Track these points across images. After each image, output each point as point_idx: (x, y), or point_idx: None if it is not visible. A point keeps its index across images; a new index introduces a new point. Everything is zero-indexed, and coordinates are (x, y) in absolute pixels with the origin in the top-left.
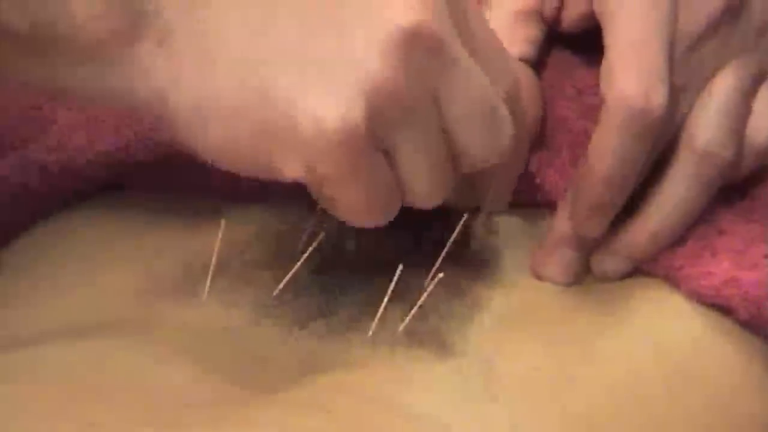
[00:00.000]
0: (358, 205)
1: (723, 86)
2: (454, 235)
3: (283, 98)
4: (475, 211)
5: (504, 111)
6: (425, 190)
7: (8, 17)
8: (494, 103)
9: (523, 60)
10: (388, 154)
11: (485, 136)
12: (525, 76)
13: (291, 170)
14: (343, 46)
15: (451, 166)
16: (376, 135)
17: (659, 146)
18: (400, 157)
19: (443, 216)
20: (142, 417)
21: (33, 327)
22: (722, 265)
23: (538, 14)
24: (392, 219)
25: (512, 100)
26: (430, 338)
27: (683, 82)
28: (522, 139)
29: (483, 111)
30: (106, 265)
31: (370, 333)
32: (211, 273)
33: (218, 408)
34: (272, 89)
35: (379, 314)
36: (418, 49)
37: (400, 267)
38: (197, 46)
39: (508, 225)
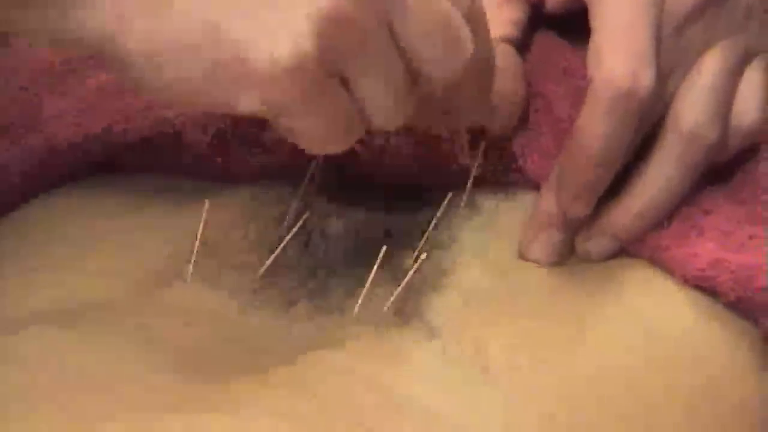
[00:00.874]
0: (317, 133)
1: (709, 68)
2: (437, 215)
3: (235, 32)
4: (458, 191)
5: (462, 28)
6: (385, 112)
7: None
8: (449, 20)
9: (507, 41)
10: (345, 81)
11: (442, 53)
12: (508, 56)
13: (247, 104)
14: None
15: (411, 87)
16: (329, 62)
17: (645, 127)
18: (356, 81)
19: (428, 198)
20: (130, 400)
21: (19, 309)
22: (708, 246)
23: None
24: (351, 144)
25: (473, 19)
26: (417, 319)
27: (670, 64)
28: (485, 59)
29: (437, 29)
30: (93, 247)
31: (356, 311)
32: (194, 255)
33: (205, 390)
34: (224, 25)
35: (363, 294)
36: None
37: (384, 248)
38: None
39: (492, 206)
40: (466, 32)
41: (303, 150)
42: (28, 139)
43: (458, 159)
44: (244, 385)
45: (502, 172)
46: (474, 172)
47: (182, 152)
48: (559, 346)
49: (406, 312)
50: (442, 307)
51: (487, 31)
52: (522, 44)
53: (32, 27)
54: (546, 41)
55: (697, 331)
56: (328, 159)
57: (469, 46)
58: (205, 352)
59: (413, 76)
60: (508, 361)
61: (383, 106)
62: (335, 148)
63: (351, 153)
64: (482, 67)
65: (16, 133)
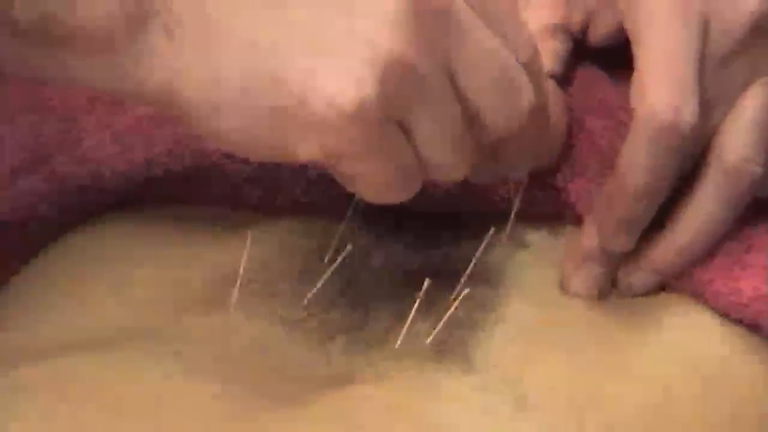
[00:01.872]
0: (376, 182)
1: (752, 102)
2: (481, 249)
3: (294, 79)
4: (500, 225)
5: (522, 78)
6: (445, 162)
7: (19, 10)
8: (510, 70)
9: (551, 75)
10: (406, 129)
11: (503, 104)
12: (551, 90)
13: (307, 151)
14: (351, 24)
15: (471, 138)
16: (390, 109)
17: (688, 161)
18: (417, 130)
19: (470, 230)
20: (168, 429)
21: (60, 339)
22: (750, 281)
23: (564, 29)
24: (412, 195)
25: (531, 69)
26: (457, 353)
27: (713, 98)
28: (542, 108)
29: (498, 79)
30: (133, 277)
31: (397, 345)
32: (237, 286)
33: (245, 422)
34: (282, 71)
35: (406, 328)
36: (427, 19)
37: (427, 281)
38: (205, 34)
39: (534, 239)
40: (525, 81)
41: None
42: (70, 169)
43: (500, 191)
44: (282, 416)
45: (545, 205)
46: (516, 205)
47: (223, 183)
48: (598, 380)
49: (447, 346)
50: (482, 342)
51: (545, 82)
52: (565, 77)
53: (90, 77)
54: (588, 75)
55: (738, 366)
56: None
57: (529, 97)
58: (243, 382)
59: (474, 126)
60: (546, 395)
61: (444, 155)
62: (395, 197)
63: None
64: (540, 118)
65: (58, 162)
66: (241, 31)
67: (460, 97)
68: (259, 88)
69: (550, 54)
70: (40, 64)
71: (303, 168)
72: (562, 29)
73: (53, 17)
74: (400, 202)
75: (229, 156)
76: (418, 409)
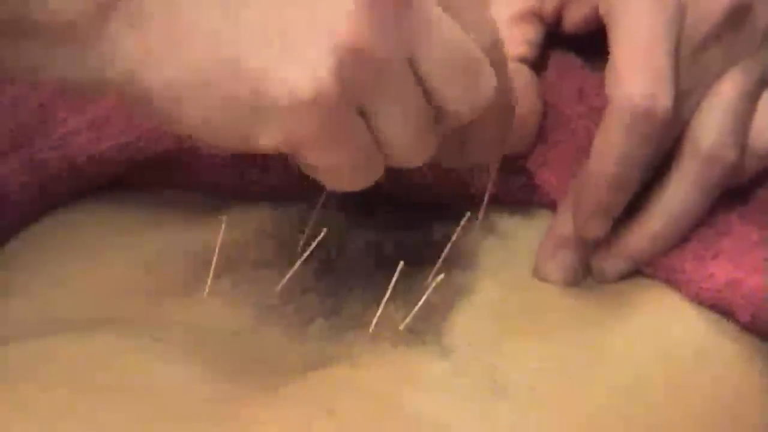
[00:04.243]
0: (338, 169)
1: (727, 90)
2: (456, 234)
3: (254, 68)
4: (475, 210)
5: (484, 65)
6: (407, 149)
7: None
8: (472, 58)
9: (522, 60)
10: (366, 116)
11: (465, 90)
12: (523, 75)
13: (268, 140)
14: (311, 13)
15: (433, 123)
16: (349, 97)
17: (663, 148)
18: (377, 117)
19: (445, 215)
20: (145, 416)
21: (34, 323)
22: (723, 267)
23: (536, 16)
24: (374, 181)
25: (494, 53)
26: (432, 337)
27: (688, 85)
28: (506, 94)
29: (460, 64)
30: (108, 263)
31: (371, 330)
32: (212, 272)
33: (221, 406)
34: (242, 60)
35: (379, 312)
36: (386, 6)
37: (401, 264)
38: (170, 23)
39: (509, 225)
40: (488, 69)
41: None
42: (46, 155)
43: (474, 177)
44: (257, 399)
45: (519, 191)
46: (489, 190)
47: (199, 169)
48: (573, 365)
49: (422, 330)
50: (457, 325)
51: (507, 67)
52: (537, 64)
53: (54, 67)
54: (562, 61)
55: (712, 351)
56: None
57: (491, 83)
58: (219, 367)
59: (435, 112)
60: (521, 380)
61: (406, 141)
62: (356, 184)
63: None
64: (502, 103)
65: (34, 148)
66: (205, 21)
67: (422, 85)
68: (220, 77)
69: (522, 39)
70: (4, 54)
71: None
72: (534, 16)
73: (17, 8)
74: (375, 188)
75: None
76: (395, 395)
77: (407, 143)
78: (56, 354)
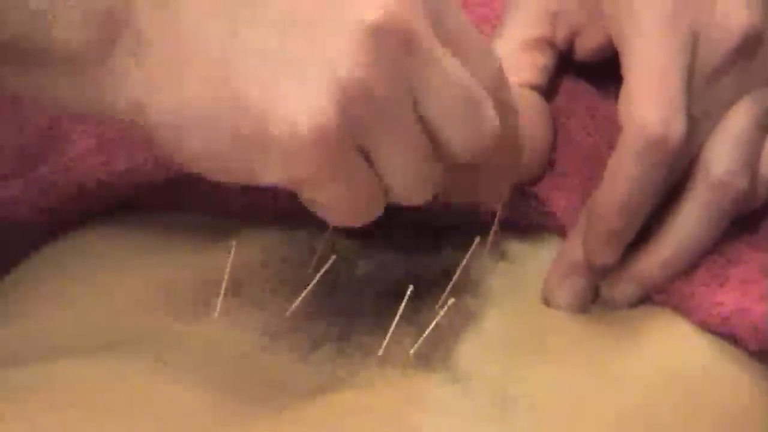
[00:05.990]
0: (339, 205)
1: (739, 118)
2: (466, 259)
3: (256, 104)
4: (485, 235)
5: (486, 103)
6: (408, 186)
7: None
8: (474, 96)
9: (532, 87)
10: (367, 154)
11: (466, 128)
12: (533, 102)
13: (270, 175)
14: (314, 48)
15: (435, 161)
16: (351, 134)
17: (675, 175)
18: (378, 154)
19: (454, 240)
20: None
21: (45, 344)
22: (732, 295)
23: (548, 42)
24: (374, 218)
25: (497, 91)
26: (441, 363)
27: (700, 113)
28: (514, 128)
29: (461, 103)
30: (117, 285)
31: (380, 353)
32: (221, 295)
33: (228, 429)
34: (244, 96)
35: (388, 336)
36: (388, 43)
37: (410, 288)
38: (171, 56)
39: (518, 250)
40: (490, 108)
41: None
42: (56, 177)
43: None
44: (264, 423)
45: (529, 216)
46: (499, 215)
47: (209, 192)
48: (582, 390)
49: (431, 355)
50: (466, 351)
51: (514, 104)
52: (549, 90)
53: (60, 95)
54: (573, 87)
55: (720, 377)
56: None
57: (494, 122)
58: (227, 390)
59: (438, 151)
60: (531, 404)
61: (406, 178)
62: (357, 221)
63: None
64: (510, 140)
65: (44, 170)
66: (205, 54)
67: (423, 123)
68: (223, 110)
69: (534, 65)
70: (11, 81)
71: None
72: (545, 43)
73: (25, 38)
74: (386, 212)
75: None
76: (403, 418)
77: (408, 181)
78: (65, 376)
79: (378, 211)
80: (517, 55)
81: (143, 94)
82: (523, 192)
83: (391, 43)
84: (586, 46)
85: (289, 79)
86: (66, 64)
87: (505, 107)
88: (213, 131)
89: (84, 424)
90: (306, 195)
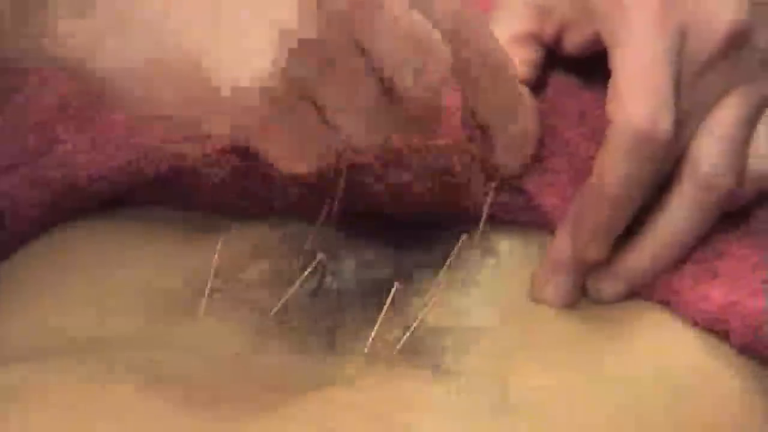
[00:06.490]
0: (287, 154)
1: (727, 114)
2: (452, 256)
3: (200, 56)
4: (473, 232)
5: (434, 41)
6: (361, 133)
7: None
8: (423, 39)
9: (521, 82)
10: (316, 102)
11: (414, 68)
12: (523, 94)
13: (217, 127)
14: (257, 3)
15: (388, 105)
16: (296, 86)
17: (663, 170)
18: (326, 102)
19: (442, 236)
20: None
21: (33, 341)
22: (721, 289)
23: (536, 38)
24: (325, 164)
25: (458, 35)
26: (428, 359)
27: (688, 109)
28: (482, 57)
29: (408, 44)
30: (106, 282)
31: (366, 350)
32: (207, 293)
33: (218, 426)
34: (189, 48)
35: (374, 333)
36: None
37: (396, 285)
38: (116, 13)
39: (506, 247)
40: (439, 45)
41: (317, 188)
42: (46, 173)
43: (472, 197)
44: (253, 420)
45: (517, 213)
46: (487, 210)
47: (199, 188)
48: (572, 387)
49: (418, 351)
50: (452, 348)
51: (477, 32)
52: (536, 85)
53: (8, 52)
54: (562, 83)
55: (711, 373)
56: (343, 196)
57: (444, 59)
58: (215, 388)
59: (390, 93)
60: (519, 401)
61: (357, 126)
62: (306, 167)
63: (366, 189)
64: (480, 67)
65: (34, 167)
66: (148, 9)
67: (374, 68)
68: (166, 66)
69: (521, 61)
70: None
71: (275, 171)
72: (533, 38)
73: None
74: (374, 209)
75: (205, 161)
76: (395, 416)
77: (360, 128)
78: (55, 373)
79: (328, 157)
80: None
81: (88, 51)
82: (512, 189)
83: None
84: (574, 41)
85: (233, 33)
86: (11, 14)
87: (466, 38)
88: (158, 87)
89: (73, 424)
90: (253, 144)
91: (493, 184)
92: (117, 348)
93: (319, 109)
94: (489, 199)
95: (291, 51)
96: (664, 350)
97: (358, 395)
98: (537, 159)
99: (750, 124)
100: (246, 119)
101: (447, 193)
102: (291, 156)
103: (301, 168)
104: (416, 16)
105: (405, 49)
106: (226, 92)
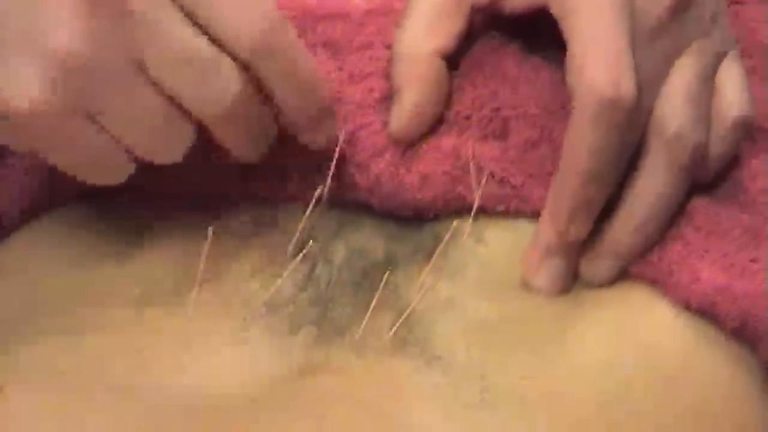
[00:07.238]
0: (74, 168)
1: (685, 72)
2: (443, 244)
3: None
4: (462, 220)
5: (220, 62)
6: (152, 146)
7: None
8: (203, 56)
9: (442, 54)
10: (96, 120)
11: (198, 89)
12: (433, 71)
13: (14, 144)
14: (29, 24)
15: (182, 118)
16: (71, 106)
17: (632, 140)
18: (108, 121)
19: (433, 225)
20: (134, 423)
21: (18, 329)
22: (710, 270)
23: (459, 6)
24: (121, 177)
25: (261, 58)
26: (418, 347)
27: (647, 74)
28: (293, 86)
29: (187, 65)
30: (94, 271)
31: (357, 337)
32: (198, 281)
33: (209, 415)
34: None
35: (365, 321)
36: (104, 17)
37: (386, 274)
38: None
39: (497, 235)
40: (226, 68)
41: (307, 178)
42: (32, 160)
43: (460, 190)
44: (244, 408)
45: (505, 202)
46: (476, 202)
47: (188, 176)
48: (559, 374)
49: (408, 339)
50: (443, 335)
51: (290, 57)
52: (458, 54)
53: None
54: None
55: (698, 358)
56: (331, 189)
57: (231, 82)
58: (207, 378)
59: (182, 110)
60: (508, 389)
61: (149, 140)
62: (104, 179)
63: (350, 182)
64: (292, 79)
65: (20, 154)
66: None
67: (158, 87)
68: None
69: (447, 33)
70: None
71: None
72: (457, 6)
73: None
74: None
75: (189, 150)
76: (385, 405)
77: (152, 141)
78: (47, 361)
79: (127, 169)
80: (426, 21)
81: None
82: (499, 180)
83: (107, 16)
84: (513, 6)
85: (9, 54)
86: None
87: (277, 62)
88: None
89: (63, 410)
90: (51, 160)
91: (484, 176)
92: (104, 337)
93: (100, 126)
94: (479, 190)
95: (61, 71)
96: (652, 336)
97: (349, 383)
98: (522, 149)
99: (708, 78)
100: (22, 138)
101: (433, 185)
102: (81, 170)
103: (93, 180)
104: (194, 36)
105: (185, 70)
106: (2, 112)
